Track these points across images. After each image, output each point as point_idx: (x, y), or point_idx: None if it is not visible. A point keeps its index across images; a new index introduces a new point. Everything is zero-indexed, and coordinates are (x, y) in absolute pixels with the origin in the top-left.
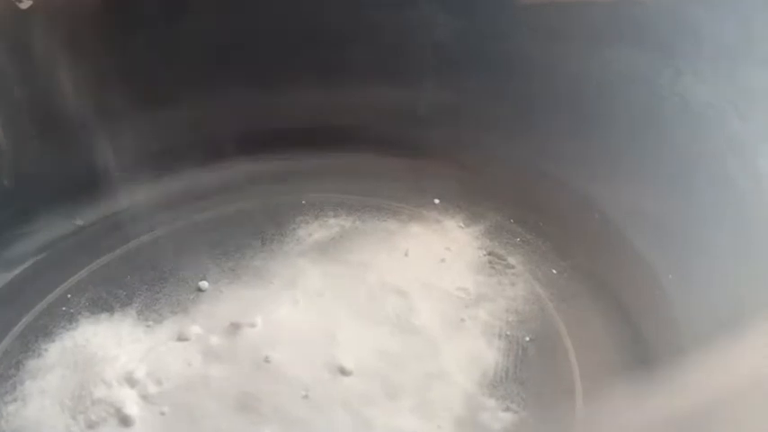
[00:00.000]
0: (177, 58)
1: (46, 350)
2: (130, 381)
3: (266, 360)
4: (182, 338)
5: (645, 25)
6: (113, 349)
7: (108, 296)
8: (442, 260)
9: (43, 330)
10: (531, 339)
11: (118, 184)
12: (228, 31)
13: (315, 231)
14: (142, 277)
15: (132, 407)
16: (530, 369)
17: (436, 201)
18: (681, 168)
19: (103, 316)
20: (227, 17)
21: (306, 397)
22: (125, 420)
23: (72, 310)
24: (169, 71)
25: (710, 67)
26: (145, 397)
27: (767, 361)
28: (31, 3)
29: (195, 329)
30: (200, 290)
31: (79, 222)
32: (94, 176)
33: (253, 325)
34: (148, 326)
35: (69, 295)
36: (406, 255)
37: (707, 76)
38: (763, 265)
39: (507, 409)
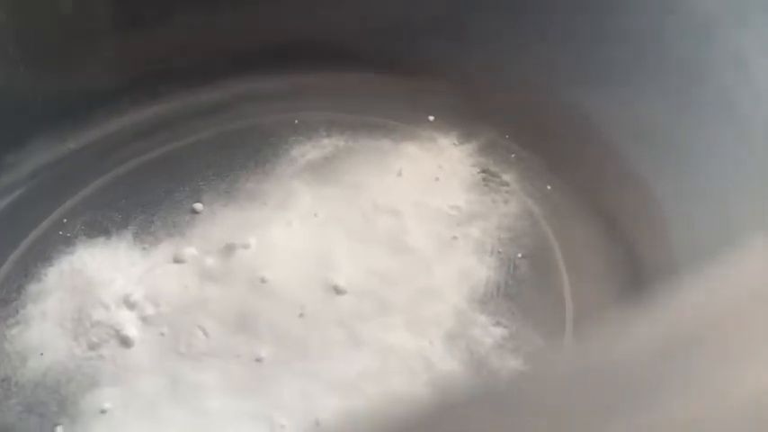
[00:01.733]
0: None
1: (45, 275)
2: (128, 303)
3: (262, 280)
4: (178, 260)
5: None
6: (111, 272)
7: (104, 219)
8: (436, 179)
9: (41, 255)
10: (522, 256)
11: (108, 107)
12: None
13: (308, 152)
14: (137, 200)
15: (131, 328)
16: (521, 285)
17: (431, 118)
18: (682, 84)
19: (100, 239)
20: None
21: (301, 315)
22: (125, 341)
23: (69, 235)
24: None
25: None
26: (144, 318)
27: (765, 278)
28: None
29: (191, 251)
30: (194, 212)
31: (71, 146)
32: (84, 100)
33: (247, 246)
34: (144, 248)
35: (65, 220)
36: (399, 174)
37: None
38: (761, 182)
39: (497, 324)
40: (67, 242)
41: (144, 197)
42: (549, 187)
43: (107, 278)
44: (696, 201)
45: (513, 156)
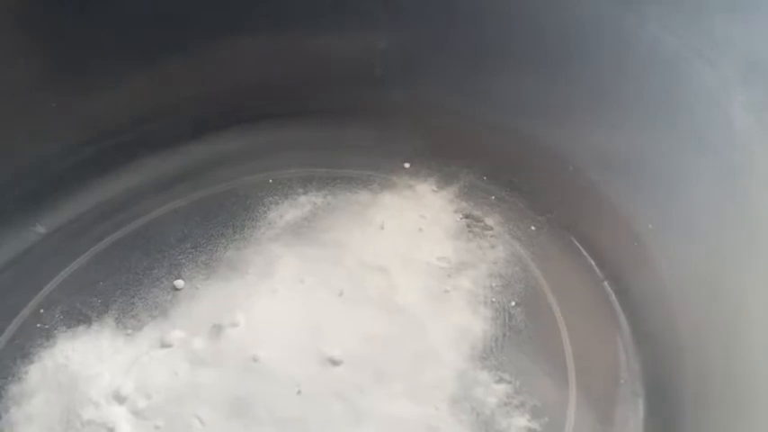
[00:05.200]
0: (115, 45)
1: (26, 373)
2: (118, 397)
3: (254, 359)
4: (164, 345)
5: None
6: (96, 365)
7: (82, 306)
8: (419, 229)
9: (20, 351)
10: (516, 304)
11: (75, 185)
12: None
13: (286, 212)
14: (115, 281)
15: (124, 425)
16: (518, 336)
17: (406, 165)
18: (652, 118)
19: (81, 328)
20: None
21: (299, 393)
22: None
23: (47, 326)
24: (106, 58)
25: (675, 14)
26: (136, 413)
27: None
28: None
29: (177, 334)
30: (176, 288)
31: (41, 230)
32: (48, 181)
33: (235, 324)
34: (128, 334)
35: (42, 310)
36: (381, 228)
37: (672, 23)
38: (742, 211)
39: (500, 381)
40: (47, 335)
41: (122, 277)
42: (533, 228)
43: (93, 372)
44: (676, 229)
45: (493, 198)
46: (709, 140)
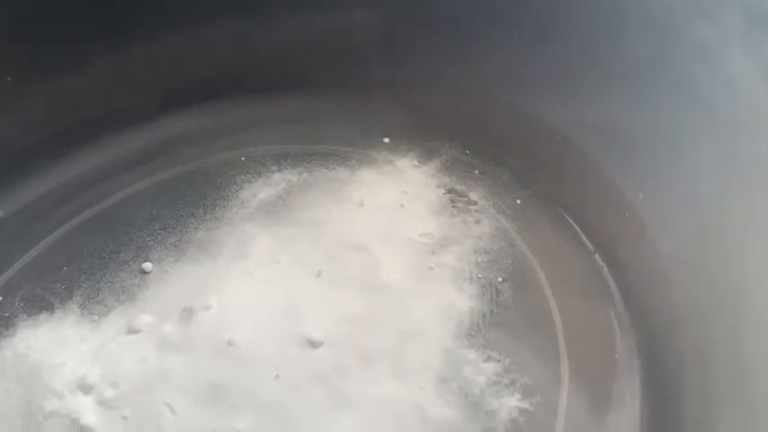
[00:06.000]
0: (79, 19)
1: None
2: (84, 387)
3: (229, 344)
4: (132, 331)
5: None
6: (59, 354)
7: (45, 292)
8: (401, 205)
9: None
10: (503, 279)
11: (35, 166)
12: None
13: (259, 190)
14: (79, 265)
15: (90, 416)
16: (506, 312)
17: (386, 140)
18: (646, 81)
19: (43, 316)
20: None
21: (277, 377)
22: (85, 431)
23: (7, 314)
24: (67, 30)
25: None
26: (102, 402)
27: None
28: None
29: (146, 319)
30: (144, 272)
31: (0, 214)
32: (6, 161)
33: (208, 307)
34: (94, 320)
35: (1, 297)
36: (361, 205)
37: None
38: (740, 174)
39: (489, 359)
40: (6, 323)
41: (87, 261)
42: (518, 201)
43: (56, 361)
44: (670, 197)
45: (476, 171)
46: (708, 101)
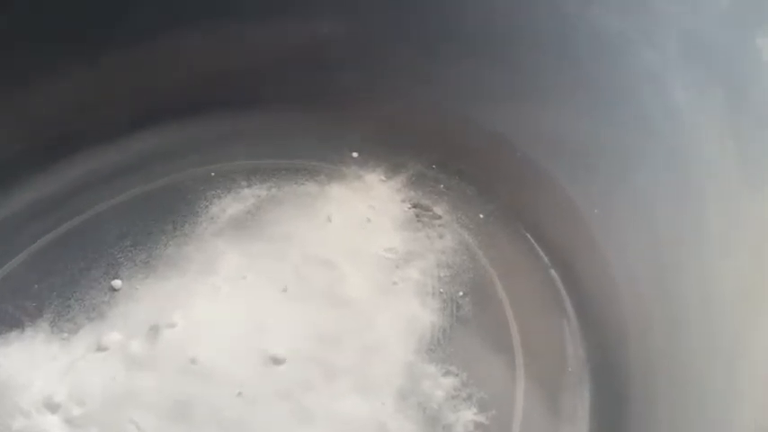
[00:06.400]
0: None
1: None
2: (51, 406)
3: (192, 361)
4: (101, 348)
5: None
6: (28, 372)
7: (15, 310)
8: (368, 220)
9: None
10: (464, 294)
11: (6, 182)
12: None
13: (228, 206)
14: (50, 283)
15: None
16: (466, 326)
17: (354, 154)
18: (597, 102)
19: (13, 334)
20: None
21: (240, 395)
22: None
23: None
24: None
25: None
26: (69, 421)
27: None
28: None
29: (114, 336)
30: (113, 289)
31: None
32: None
33: (173, 325)
34: (64, 338)
35: None
36: (329, 220)
37: (614, 4)
38: (688, 195)
39: (448, 373)
40: None
41: (57, 279)
42: (481, 216)
43: (25, 380)
44: (622, 214)
45: (441, 186)
46: (653, 123)
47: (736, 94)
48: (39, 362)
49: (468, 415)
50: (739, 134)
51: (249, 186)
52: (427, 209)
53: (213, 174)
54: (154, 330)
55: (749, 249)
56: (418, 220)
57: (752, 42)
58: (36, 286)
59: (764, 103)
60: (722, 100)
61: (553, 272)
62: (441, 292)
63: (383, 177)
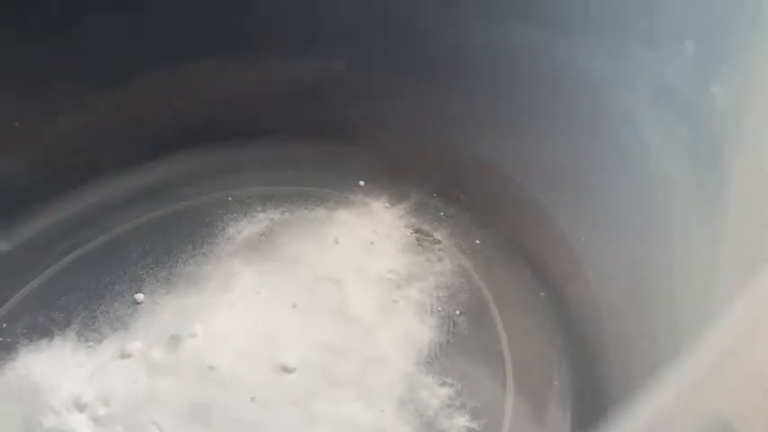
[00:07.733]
0: (76, 70)
1: None
2: (79, 405)
3: (210, 368)
4: (124, 356)
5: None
6: (57, 376)
7: (45, 320)
8: (372, 243)
9: None
10: (460, 312)
11: (38, 203)
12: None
13: (244, 228)
14: (77, 296)
15: (84, 431)
16: (461, 342)
17: (361, 183)
18: (581, 136)
19: (43, 342)
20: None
21: (253, 399)
22: None
23: (9, 340)
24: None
25: (599, 43)
26: (96, 419)
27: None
28: None
29: (137, 345)
30: (136, 302)
31: (4, 247)
32: (11, 198)
33: (193, 335)
34: (90, 346)
35: (5, 324)
36: (336, 243)
37: (597, 50)
38: (656, 223)
39: (443, 384)
40: (9, 348)
41: (84, 292)
42: (477, 242)
43: (55, 382)
44: (603, 242)
45: (442, 213)
46: (627, 157)
47: (696, 132)
48: (67, 367)
49: (462, 422)
50: (697, 165)
51: (263, 211)
52: (428, 234)
53: (230, 198)
54: (174, 340)
55: (706, 268)
56: (419, 245)
57: (708, 89)
58: (64, 299)
59: (717, 144)
60: (686, 135)
61: (542, 294)
62: (439, 311)
63: (387, 204)
